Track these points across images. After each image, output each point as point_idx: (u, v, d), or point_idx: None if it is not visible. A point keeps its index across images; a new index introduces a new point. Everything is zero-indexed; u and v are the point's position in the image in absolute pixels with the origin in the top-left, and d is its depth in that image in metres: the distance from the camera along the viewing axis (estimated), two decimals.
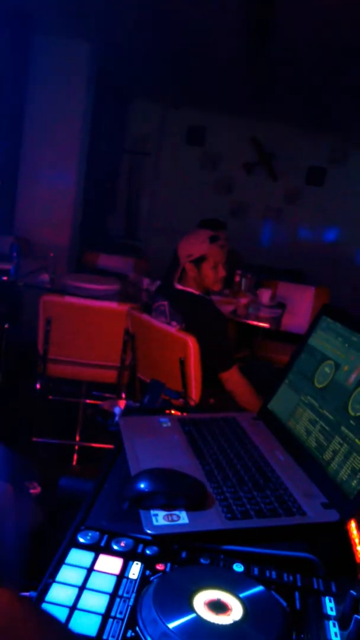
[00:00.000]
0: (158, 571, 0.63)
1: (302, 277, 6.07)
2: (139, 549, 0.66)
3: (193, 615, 0.55)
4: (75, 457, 3.00)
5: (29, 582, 0.61)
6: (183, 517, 0.74)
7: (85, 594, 0.58)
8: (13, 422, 3.07)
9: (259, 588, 0.61)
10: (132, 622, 0.55)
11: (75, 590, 0.59)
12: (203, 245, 2.37)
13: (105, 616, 0.55)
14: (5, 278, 3.29)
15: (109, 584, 0.60)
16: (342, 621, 0.59)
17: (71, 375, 2.96)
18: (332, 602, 0.62)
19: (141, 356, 2.70)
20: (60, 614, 0.55)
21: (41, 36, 4.60)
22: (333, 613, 0.60)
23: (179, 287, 2.44)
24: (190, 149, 7.12)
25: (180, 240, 2.47)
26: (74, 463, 2.99)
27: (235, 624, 0.55)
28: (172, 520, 0.73)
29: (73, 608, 0.56)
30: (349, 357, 0.94)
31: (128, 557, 0.64)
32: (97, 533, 0.68)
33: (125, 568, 0.62)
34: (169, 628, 0.53)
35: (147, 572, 0.62)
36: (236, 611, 0.56)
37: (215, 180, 7.15)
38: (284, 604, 0.60)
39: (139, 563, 0.63)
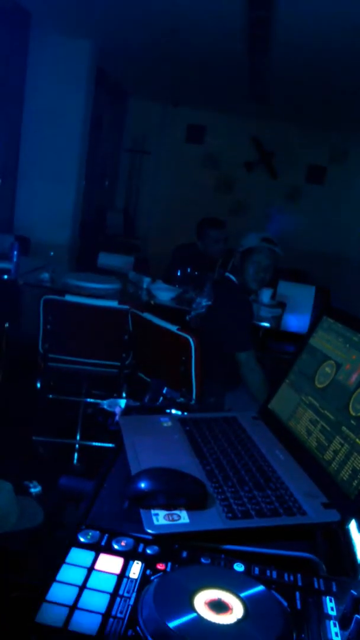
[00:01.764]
0: (159, 571, 0.63)
1: (303, 277, 6.06)
2: (140, 549, 0.66)
3: (194, 614, 0.55)
4: (75, 456, 3.00)
5: (29, 580, 0.61)
6: (184, 517, 0.73)
7: (86, 593, 0.58)
8: (13, 421, 3.07)
9: (260, 588, 0.61)
10: (132, 622, 0.55)
11: (76, 590, 0.59)
12: (254, 240, 2.52)
13: (106, 616, 0.55)
14: (5, 277, 3.29)
15: (109, 584, 0.60)
16: (343, 621, 0.59)
17: (71, 374, 2.96)
18: (332, 602, 0.62)
19: (141, 355, 2.69)
20: (61, 614, 0.55)
21: (41, 34, 4.59)
22: (334, 613, 0.60)
23: (227, 274, 2.59)
24: (190, 148, 7.12)
25: None
26: (74, 462, 2.99)
27: (236, 623, 0.55)
28: (173, 520, 0.73)
29: (73, 607, 0.56)
30: (349, 357, 0.94)
31: (128, 557, 0.64)
32: (98, 532, 0.68)
33: (125, 567, 0.62)
34: (169, 627, 0.53)
35: (148, 572, 0.62)
36: (237, 611, 0.56)
37: (215, 179, 7.15)
38: (285, 603, 0.60)
39: (140, 562, 0.63)
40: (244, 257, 2.50)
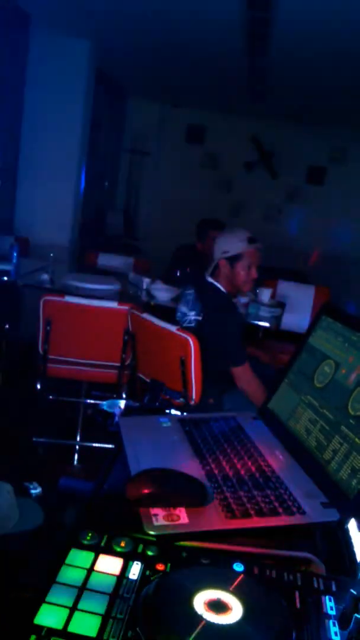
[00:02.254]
0: (158, 571, 0.63)
1: (302, 276, 6.07)
2: (139, 549, 0.66)
3: (193, 615, 0.55)
4: (75, 457, 3.00)
5: (29, 582, 0.61)
6: (183, 517, 0.74)
7: (86, 594, 0.58)
8: (13, 422, 3.07)
9: (259, 587, 0.61)
10: (132, 623, 0.55)
11: (75, 591, 0.59)
12: (241, 245, 2.40)
13: (106, 617, 0.55)
14: (5, 278, 3.29)
15: (109, 585, 0.60)
16: (342, 620, 0.59)
17: (71, 375, 2.96)
18: (332, 602, 0.62)
19: (141, 356, 2.69)
20: (61, 615, 0.55)
21: (40, 35, 4.60)
22: (333, 612, 0.60)
23: (210, 280, 2.47)
24: (190, 148, 7.12)
25: (218, 236, 2.53)
26: (74, 463, 2.99)
27: (236, 623, 0.55)
28: (172, 520, 0.73)
29: (73, 608, 0.56)
30: (349, 357, 0.94)
31: (128, 557, 0.64)
32: (97, 533, 0.68)
33: (125, 568, 0.62)
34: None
35: (147, 572, 0.62)
36: (236, 611, 0.56)
37: (215, 179, 7.15)
38: (284, 603, 0.60)
39: (139, 563, 0.63)
40: (232, 262, 2.40)
